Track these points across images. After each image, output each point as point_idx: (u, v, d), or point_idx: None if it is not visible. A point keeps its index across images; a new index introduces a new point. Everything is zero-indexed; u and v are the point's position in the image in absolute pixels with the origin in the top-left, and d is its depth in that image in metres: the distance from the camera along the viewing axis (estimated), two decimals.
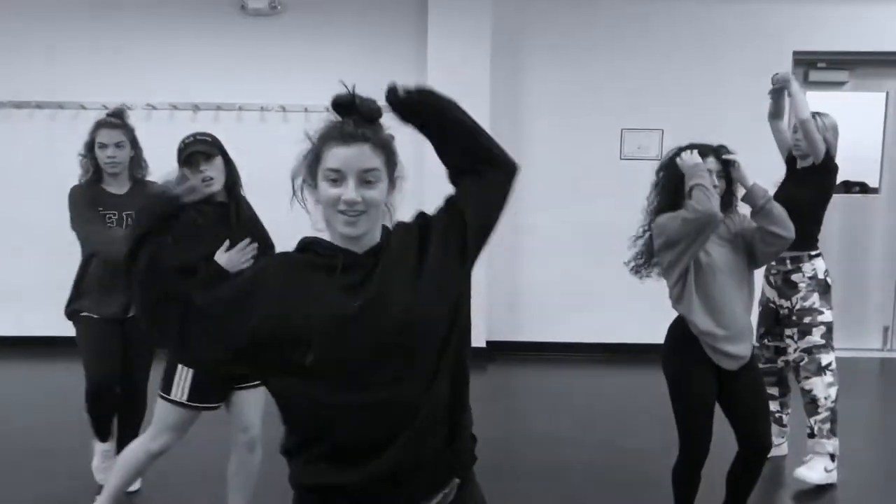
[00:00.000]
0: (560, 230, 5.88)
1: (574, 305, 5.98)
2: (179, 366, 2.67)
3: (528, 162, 6.39)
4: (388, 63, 5.90)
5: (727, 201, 2.93)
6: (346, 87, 1.56)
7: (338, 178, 1.48)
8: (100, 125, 3.33)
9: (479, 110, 5.23)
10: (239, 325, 1.43)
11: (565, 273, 5.87)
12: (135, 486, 3.36)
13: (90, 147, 3.31)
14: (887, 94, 6.17)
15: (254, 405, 2.82)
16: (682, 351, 2.86)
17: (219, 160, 2.72)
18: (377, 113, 1.56)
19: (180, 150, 2.69)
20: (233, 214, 2.73)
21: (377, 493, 1.46)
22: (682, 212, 2.74)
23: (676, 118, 5.87)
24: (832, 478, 3.63)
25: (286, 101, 5.82)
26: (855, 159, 6.20)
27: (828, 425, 3.65)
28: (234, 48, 5.94)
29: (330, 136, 1.51)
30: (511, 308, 6.16)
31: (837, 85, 6.12)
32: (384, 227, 1.60)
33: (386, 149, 1.55)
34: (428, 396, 1.45)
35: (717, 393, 2.88)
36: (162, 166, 3.48)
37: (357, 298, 1.45)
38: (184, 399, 2.65)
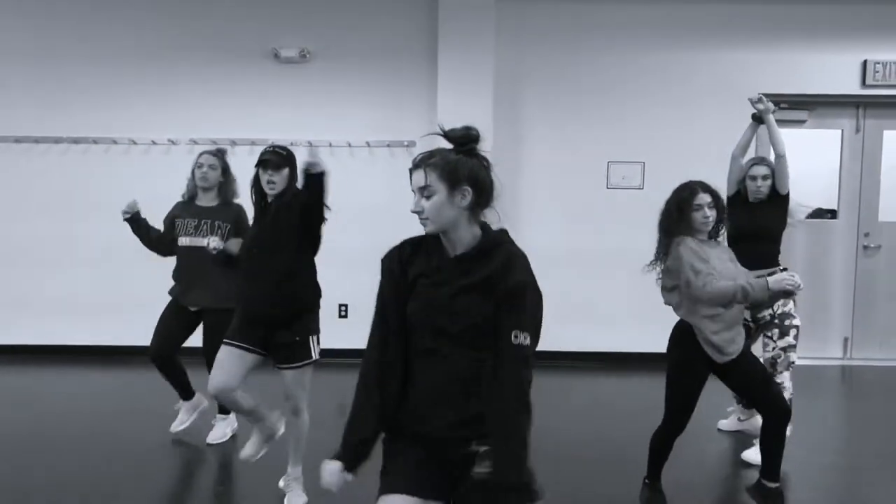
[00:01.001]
0: (555, 249, 6.23)
1: (568, 317, 6.28)
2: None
3: (526, 190, 7.09)
4: (402, 104, 6.47)
5: (716, 228, 3.45)
6: (440, 128, 1.99)
7: (415, 194, 1.97)
8: (202, 153, 4.26)
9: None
10: None
11: (560, 288, 6.06)
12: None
13: (193, 169, 4.19)
14: (842, 131, 6.72)
15: (295, 381, 3.39)
16: (681, 344, 3.42)
17: (286, 171, 3.31)
18: (463, 138, 1.96)
19: (261, 154, 3.33)
20: (269, 214, 3.33)
21: None
22: (704, 283, 3.19)
23: (656, 152, 6.43)
24: None
25: (313, 136, 6.22)
26: (817, 188, 6.82)
27: None
28: (268, 91, 6.46)
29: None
30: None
31: (799, 123, 6.61)
32: (499, 250, 1.94)
33: (439, 167, 1.92)
34: None
35: (723, 381, 3.44)
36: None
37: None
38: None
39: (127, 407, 5.16)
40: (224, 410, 4.36)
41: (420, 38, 6.46)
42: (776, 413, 3.42)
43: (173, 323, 4.24)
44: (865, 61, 6.43)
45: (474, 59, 6.28)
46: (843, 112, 6.72)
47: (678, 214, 3.37)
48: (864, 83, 6.44)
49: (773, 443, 3.46)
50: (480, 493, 1.89)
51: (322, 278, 3.54)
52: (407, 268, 2.00)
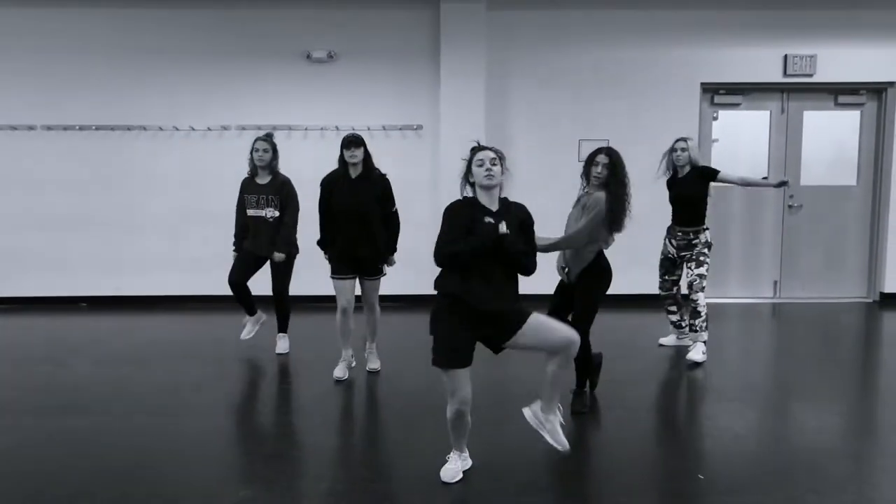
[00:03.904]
0: (537, 211, 7.22)
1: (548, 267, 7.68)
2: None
3: (512, 163, 8.18)
4: (412, 95, 7.74)
5: (607, 183, 4.35)
6: (477, 142, 3.40)
7: (481, 163, 3.26)
8: (257, 139, 5.65)
9: (477, 128, 7.43)
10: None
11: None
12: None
13: (251, 152, 5.57)
14: (770, 112, 8.02)
15: (373, 287, 4.98)
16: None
17: (362, 149, 4.81)
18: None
19: (344, 138, 4.80)
20: (358, 186, 4.84)
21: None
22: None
23: (618, 130, 7.66)
24: (705, 356, 5.53)
25: (340, 123, 7.66)
26: (752, 161, 8.18)
27: (704, 324, 5.56)
28: (302, 85, 7.74)
29: (476, 150, 3.30)
30: None
31: (734, 105, 7.94)
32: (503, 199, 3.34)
33: (495, 150, 3.30)
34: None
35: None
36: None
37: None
38: (330, 275, 4.89)
39: (197, 334, 6.65)
40: (283, 329, 5.86)
41: (425, 41, 7.74)
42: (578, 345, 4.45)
43: (244, 263, 5.75)
44: (786, 55, 7.77)
45: (470, 57, 7.54)
46: (769, 96, 8.02)
47: (586, 168, 4.52)
48: (785, 73, 7.78)
49: (580, 365, 4.47)
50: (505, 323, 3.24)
51: None
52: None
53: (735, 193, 8.07)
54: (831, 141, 8.15)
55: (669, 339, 6.14)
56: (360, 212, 4.83)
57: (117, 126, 7.80)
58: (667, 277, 5.90)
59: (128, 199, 7.89)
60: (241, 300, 5.84)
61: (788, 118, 8.07)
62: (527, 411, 3.53)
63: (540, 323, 3.26)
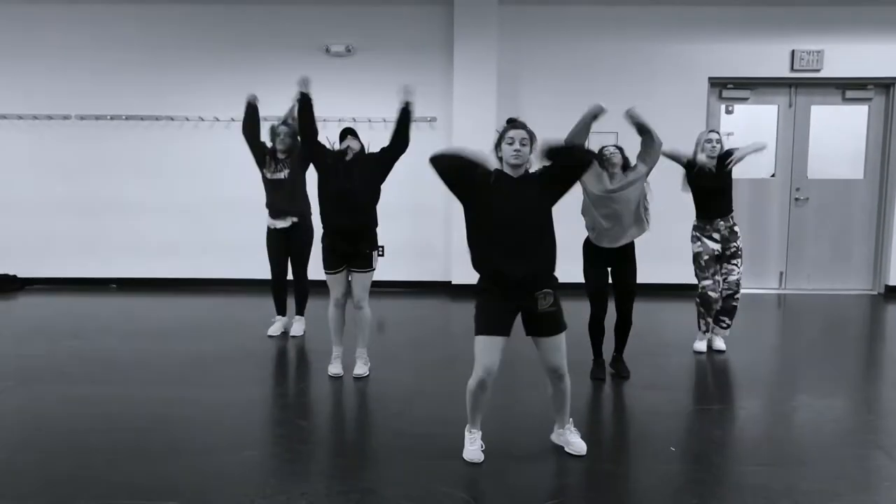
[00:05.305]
0: None
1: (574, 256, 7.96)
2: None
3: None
4: (426, 87, 7.74)
5: (624, 165, 4.94)
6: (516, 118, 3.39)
7: (511, 141, 3.31)
8: (277, 126, 5.92)
9: (487, 122, 7.63)
10: None
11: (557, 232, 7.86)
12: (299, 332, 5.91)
13: (272, 137, 5.91)
14: (778, 106, 8.13)
15: (361, 283, 4.86)
16: (586, 256, 5.00)
17: (357, 141, 4.83)
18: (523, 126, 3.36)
19: (342, 131, 4.85)
20: (352, 168, 4.80)
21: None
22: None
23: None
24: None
25: (356, 114, 7.94)
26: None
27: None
28: (322, 78, 7.49)
29: (511, 124, 3.35)
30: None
31: (742, 100, 8.07)
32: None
33: (527, 130, 3.34)
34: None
35: (610, 278, 4.93)
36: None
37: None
38: (322, 269, 4.98)
39: (220, 315, 7.01)
40: (300, 312, 6.17)
41: (439, 35, 7.99)
42: (625, 317, 4.96)
43: (276, 253, 6.03)
44: (793, 51, 7.89)
45: (482, 51, 7.77)
46: (777, 91, 8.13)
47: (600, 157, 4.98)
48: (792, 68, 7.90)
49: (620, 328, 5.01)
50: (544, 319, 3.38)
51: None
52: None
53: (742, 185, 8.20)
54: (839, 135, 8.24)
55: (701, 345, 5.76)
56: (353, 195, 4.76)
57: (146, 116, 8.18)
58: (717, 278, 5.60)
59: (156, 185, 8.27)
60: (276, 300, 6.17)
61: (796, 113, 8.18)
62: (552, 436, 3.74)
63: (560, 345, 3.44)
